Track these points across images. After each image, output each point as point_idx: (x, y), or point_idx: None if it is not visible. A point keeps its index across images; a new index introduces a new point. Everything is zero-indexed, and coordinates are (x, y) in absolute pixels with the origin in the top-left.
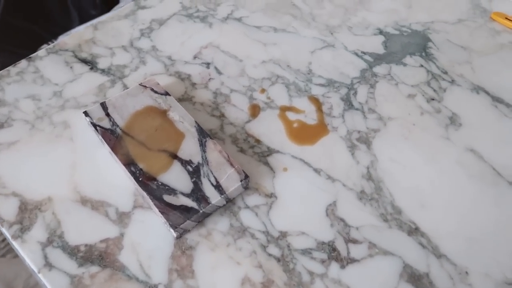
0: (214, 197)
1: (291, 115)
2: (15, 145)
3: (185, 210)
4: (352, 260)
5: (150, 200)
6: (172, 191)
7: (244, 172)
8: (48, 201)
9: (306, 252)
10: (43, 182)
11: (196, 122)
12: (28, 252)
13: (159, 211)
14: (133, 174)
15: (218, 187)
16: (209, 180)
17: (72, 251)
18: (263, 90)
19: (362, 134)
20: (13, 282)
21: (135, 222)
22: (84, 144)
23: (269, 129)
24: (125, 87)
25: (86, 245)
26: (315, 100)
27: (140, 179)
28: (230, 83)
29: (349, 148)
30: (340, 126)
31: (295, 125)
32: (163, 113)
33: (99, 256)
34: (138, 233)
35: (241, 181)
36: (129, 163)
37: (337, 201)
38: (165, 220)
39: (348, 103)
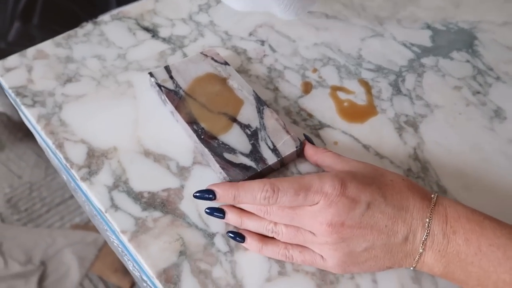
0: (271, 159)
1: (341, 95)
2: (83, 98)
3: (244, 168)
4: None
5: (212, 157)
6: (232, 150)
7: (299, 139)
8: (113, 150)
9: None
10: (109, 133)
11: (254, 91)
12: (96, 193)
13: (220, 166)
14: (195, 132)
15: (275, 150)
16: (267, 144)
17: (136, 196)
18: (315, 70)
19: (409, 118)
20: (32, 251)
21: (194, 177)
22: (146, 103)
23: (320, 105)
24: (185, 55)
25: (149, 192)
26: (364, 83)
27: (202, 137)
28: (283, 61)
29: (396, 129)
30: (388, 109)
31: (345, 104)
32: (223, 80)
33: (161, 203)
34: (197, 187)
35: (296, 147)
36: (191, 122)
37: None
38: (225, 176)
39: (396, 89)
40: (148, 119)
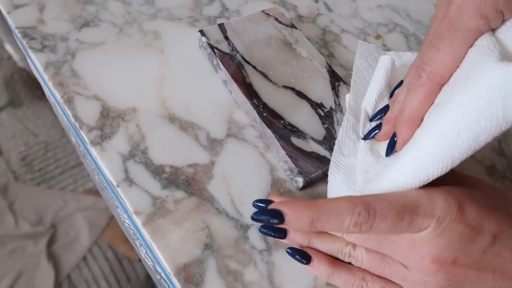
0: None
1: None
2: (101, 46)
3: (317, 159)
4: None
5: (276, 141)
6: (301, 134)
7: None
8: (132, 111)
9: None
10: (128, 90)
11: (327, 62)
12: (107, 162)
13: (286, 154)
14: (256, 107)
15: None
16: None
17: (155, 170)
18: (378, 36)
19: None
20: (44, 212)
21: (228, 152)
22: (176, 58)
23: None
24: (224, 7)
25: (171, 167)
26: None
27: (264, 114)
28: (340, 23)
29: None
30: None
31: None
32: (289, 46)
33: (185, 181)
34: (231, 165)
35: None
36: (251, 95)
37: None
38: (292, 166)
39: None
40: (177, 77)
